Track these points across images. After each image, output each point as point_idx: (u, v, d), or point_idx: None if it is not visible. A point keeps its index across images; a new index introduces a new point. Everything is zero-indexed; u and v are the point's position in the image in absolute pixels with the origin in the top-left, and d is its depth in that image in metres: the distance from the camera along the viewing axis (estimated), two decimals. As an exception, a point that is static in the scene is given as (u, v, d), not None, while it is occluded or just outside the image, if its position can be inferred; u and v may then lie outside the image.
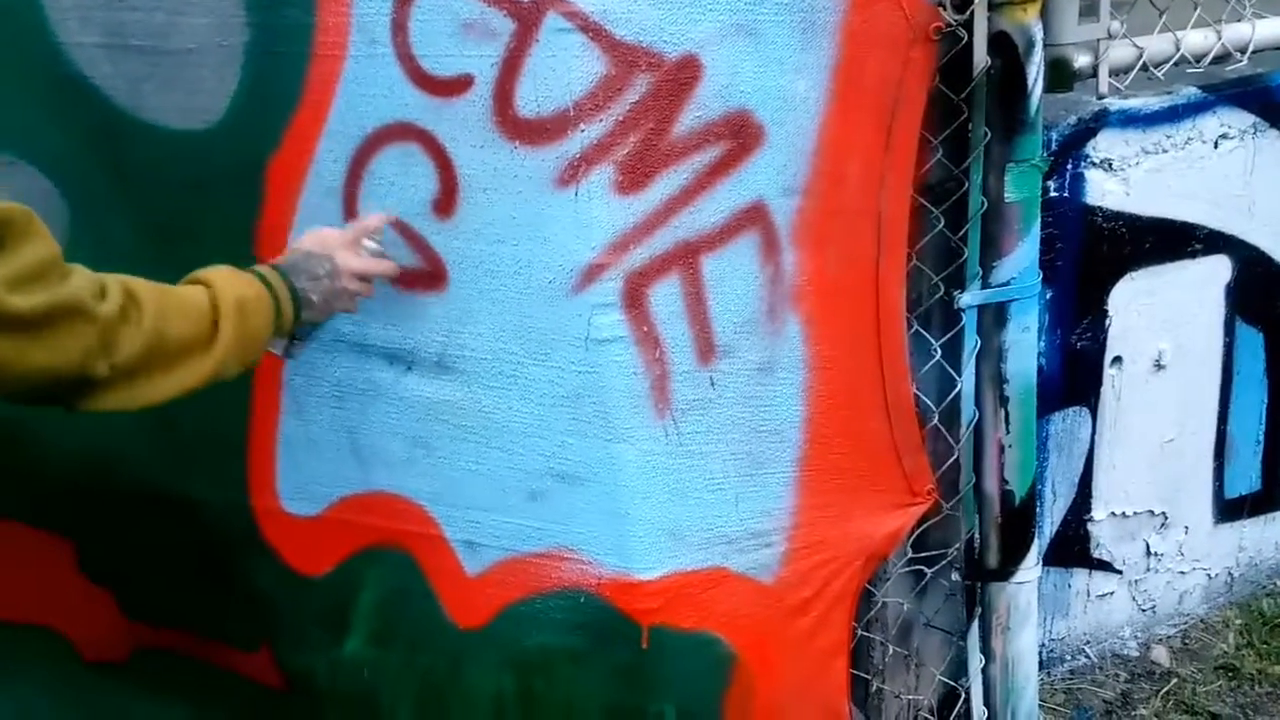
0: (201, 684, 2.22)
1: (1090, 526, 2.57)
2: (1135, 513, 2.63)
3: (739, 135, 1.73)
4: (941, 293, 2.04)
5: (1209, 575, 2.82)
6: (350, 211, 1.83)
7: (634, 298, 1.74)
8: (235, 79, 1.87)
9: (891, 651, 2.20)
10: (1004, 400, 2.09)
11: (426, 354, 1.85)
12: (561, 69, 1.65)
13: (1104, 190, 2.32)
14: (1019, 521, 2.16)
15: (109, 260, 1.98)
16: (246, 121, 1.88)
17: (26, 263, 1.18)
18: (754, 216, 1.77)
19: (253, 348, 1.52)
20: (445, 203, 1.77)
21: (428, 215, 1.79)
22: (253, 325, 1.50)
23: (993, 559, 2.19)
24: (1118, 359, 2.46)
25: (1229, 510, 2.81)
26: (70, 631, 2.31)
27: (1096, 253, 2.35)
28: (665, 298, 1.75)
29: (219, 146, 1.90)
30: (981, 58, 1.91)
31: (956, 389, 2.10)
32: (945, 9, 1.85)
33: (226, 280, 1.50)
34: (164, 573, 2.20)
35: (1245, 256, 2.60)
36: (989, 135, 1.96)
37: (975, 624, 2.26)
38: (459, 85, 1.71)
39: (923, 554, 2.17)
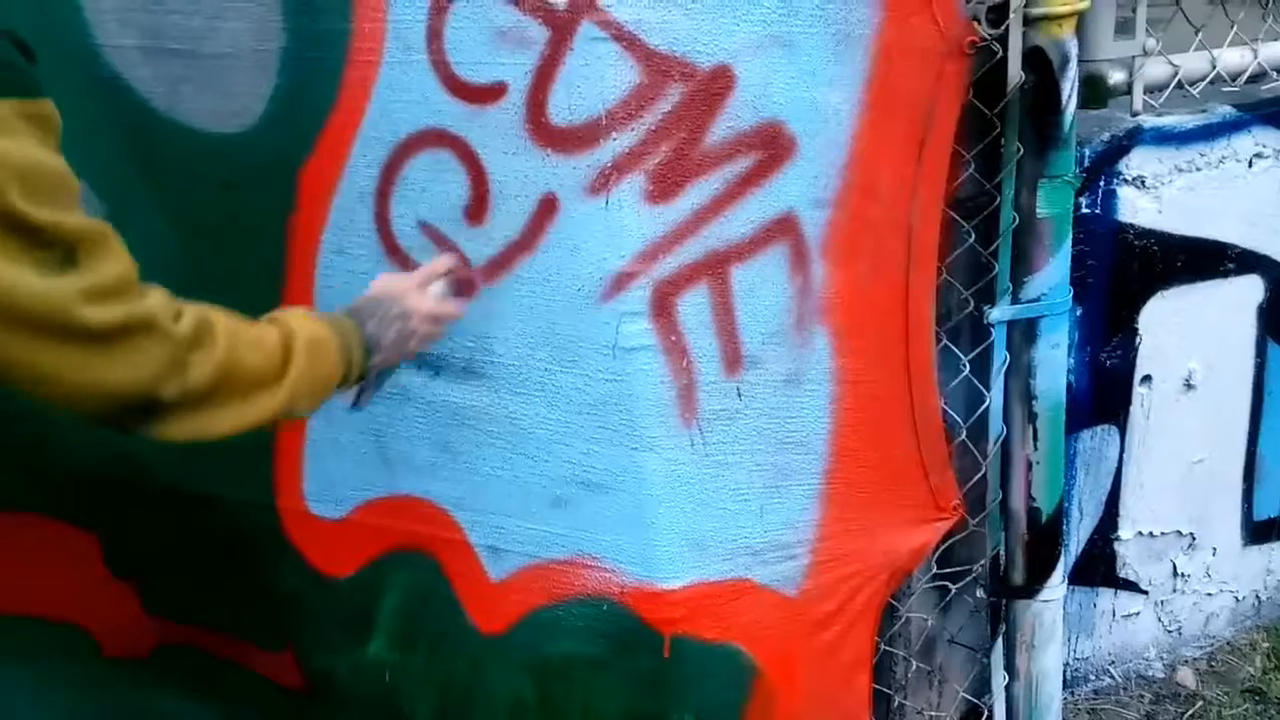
0: (222, 682, 2.23)
1: (1117, 546, 2.55)
2: (1163, 533, 2.60)
3: (771, 146, 1.73)
4: (971, 308, 2.04)
5: (1236, 597, 2.80)
6: (383, 217, 1.85)
7: (662, 306, 1.74)
8: (271, 83, 1.89)
9: (914, 667, 2.20)
10: (1032, 417, 2.09)
11: (455, 359, 1.86)
12: (595, 77, 1.65)
13: (1136, 208, 2.30)
14: (1045, 539, 2.15)
15: (144, 261, 2.03)
16: (281, 125, 1.89)
17: (103, 278, 1.18)
18: (784, 228, 1.77)
19: (321, 388, 1.49)
20: (476, 209, 1.77)
21: (459, 221, 1.79)
22: (323, 366, 1.48)
23: (1018, 576, 2.19)
24: (1147, 378, 2.45)
25: (1258, 532, 2.78)
26: (92, 626, 2.33)
27: (1128, 270, 2.33)
28: (693, 307, 1.75)
29: (254, 149, 1.91)
30: (1016, 73, 1.90)
31: (985, 405, 2.09)
32: (980, 24, 1.85)
33: (299, 320, 1.48)
34: (188, 570, 2.21)
35: (1278, 277, 2.58)
36: (1022, 151, 1.96)
37: (999, 641, 2.25)
38: (493, 93, 1.71)
39: (948, 570, 2.16)
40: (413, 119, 1.78)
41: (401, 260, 1.85)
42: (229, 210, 1.95)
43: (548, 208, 1.73)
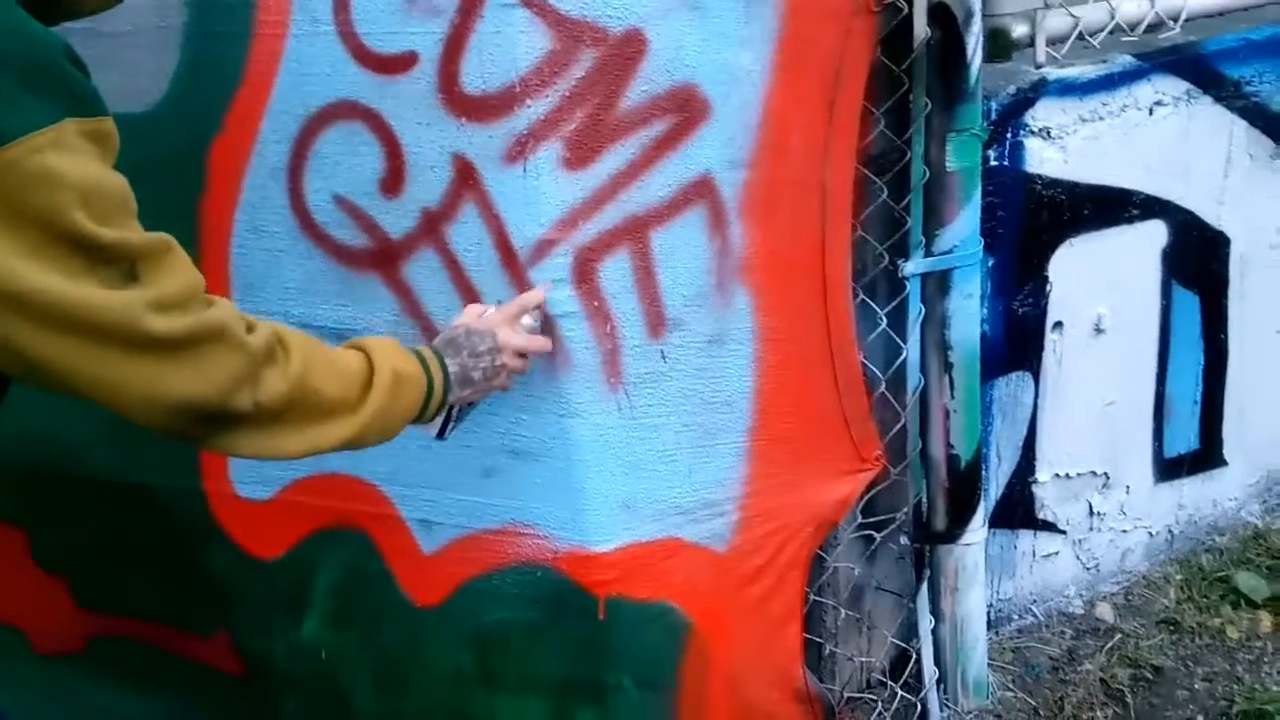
0: (159, 672, 2.22)
1: (1034, 488, 2.61)
2: (1078, 474, 2.67)
3: (685, 109, 1.74)
4: (886, 262, 2.07)
5: (1150, 533, 2.89)
6: (296, 193, 1.83)
7: (584, 273, 1.75)
8: (174, 60, 1.85)
9: (843, 615, 2.24)
10: (948, 367, 2.13)
11: (378, 333, 1.85)
12: (507, 45, 1.65)
13: (1043, 158, 2.34)
14: (965, 485, 2.21)
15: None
16: (187, 102, 1.87)
17: (168, 290, 1.16)
18: (701, 190, 1.79)
19: (396, 424, 1.48)
20: (392, 182, 1.77)
21: (375, 194, 1.78)
22: (402, 403, 1.47)
23: (940, 522, 2.24)
24: (1059, 324, 2.50)
25: (1169, 470, 2.87)
26: (22, 624, 2.30)
27: (1036, 220, 2.37)
28: (615, 272, 1.77)
29: (160, 129, 1.88)
30: (922, 29, 1.93)
31: (902, 357, 2.13)
32: (886, -20, 1.87)
33: (386, 352, 1.46)
34: (118, 561, 2.19)
35: (1181, 221, 2.65)
36: (930, 105, 1.99)
37: (924, 586, 2.30)
38: (403, 63, 1.70)
39: (872, 519, 2.20)
40: (322, 92, 1.77)
41: (318, 237, 1.84)
42: (137, 190, 1.90)
43: (465, 177, 1.72)
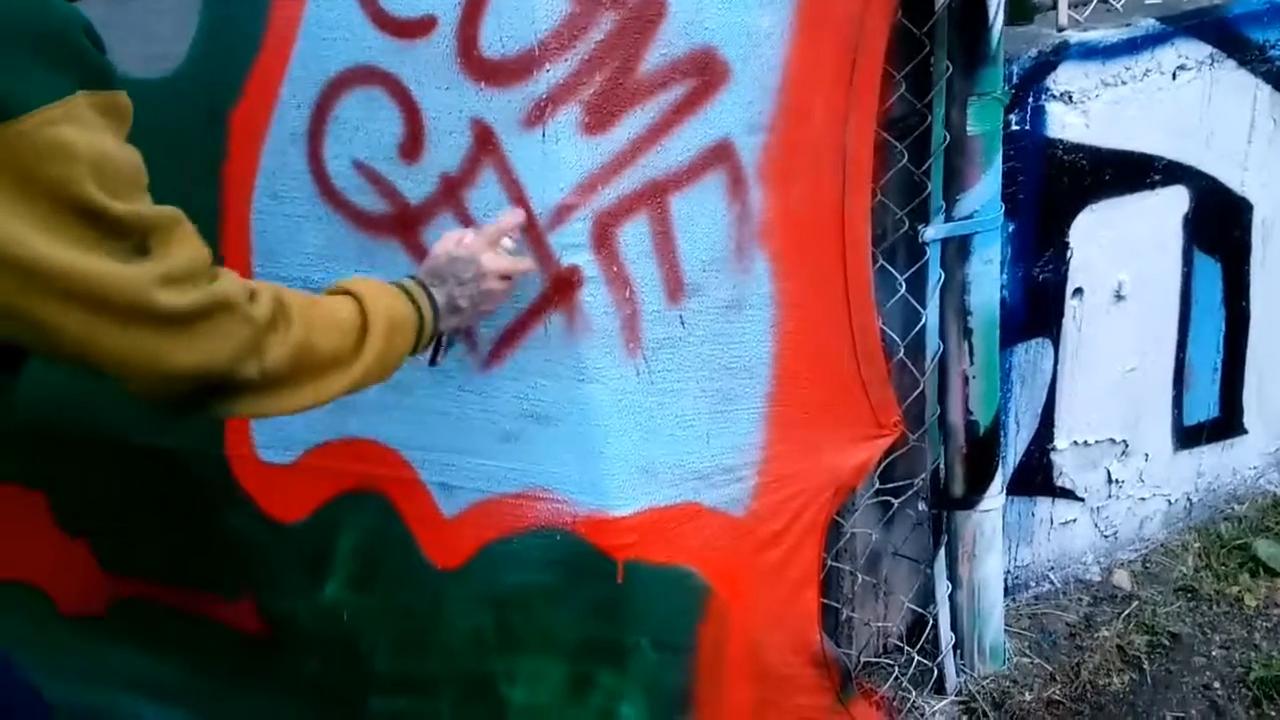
0: (181, 633, 2.24)
1: (1053, 455, 2.61)
2: (1097, 441, 2.67)
3: (704, 72, 1.73)
4: (906, 227, 2.07)
5: (1169, 501, 2.88)
6: (316, 158, 1.83)
7: (603, 238, 1.75)
8: (194, 25, 1.85)
9: (860, 580, 2.25)
10: (967, 332, 2.13)
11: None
12: (525, 8, 1.64)
13: (1064, 123, 2.33)
14: (983, 451, 2.21)
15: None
16: (207, 68, 1.87)
17: (177, 263, 1.18)
18: (721, 154, 1.78)
19: (393, 364, 1.49)
20: (412, 147, 1.76)
21: (394, 160, 1.78)
22: (398, 345, 1.48)
23: (958, 488, 2.24)
24: (1079, 290, 2.49)
25: (1188, 437, 2.86)
26: (46, 585, 2.32)
27: (1057, 185, 2.36)
28: (634, 237, 1.76)
29: (180, 94, 1.89)
30: (943, -9, 1.92)
31: (921, 322, 2.13)
32: (907, -57, 1.86)
33: (376, 295, 1.47)
34: (140, 524, 2.21)
35: (1203, 187, 2.63)
36: (951, 69, 1.98)
37: (942, 552, 2.31)
38: (422, 26, 1.70)
39: (890, 485, 2.21)
40: (342, 56, 1.76)
41: (338, 203, 1.84)
42: (158, 159, 1.91)
43: (484, 142, 1.72)
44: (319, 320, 1.36)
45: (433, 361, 1.69)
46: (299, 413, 1.37)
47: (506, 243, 1.70)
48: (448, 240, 1.67)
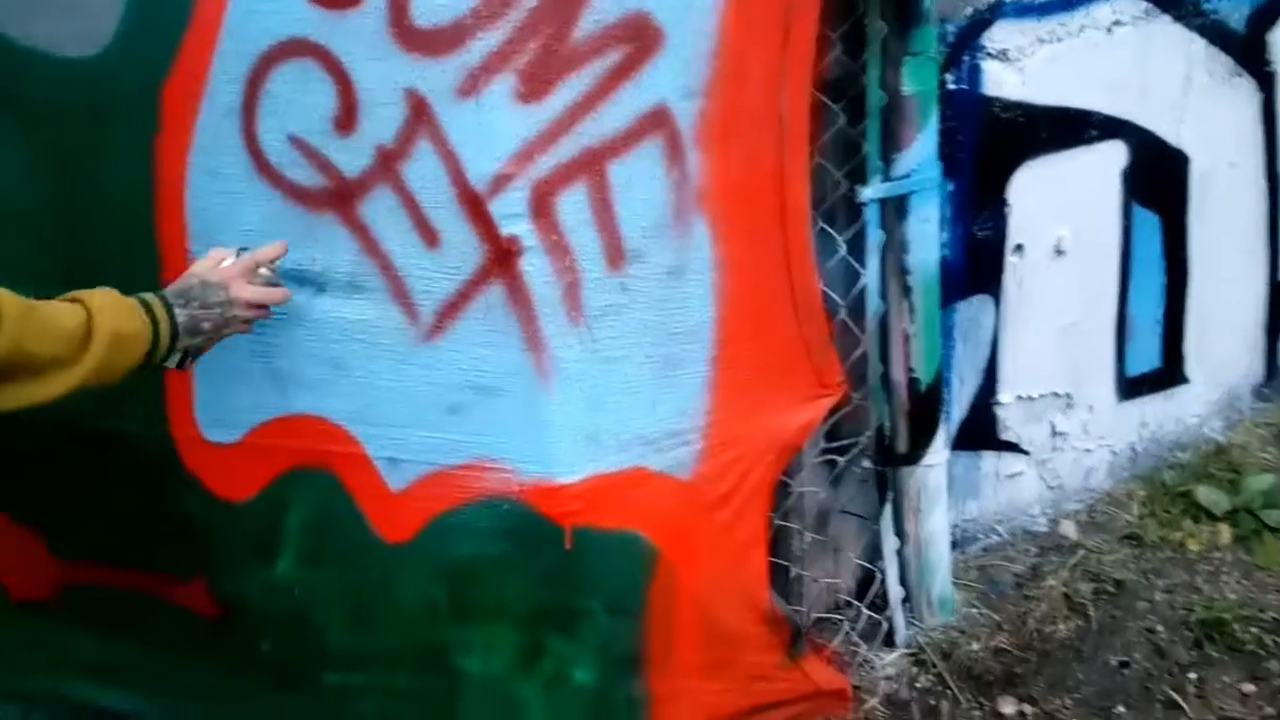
0: (135, 616, 2.23)
1: (997, 410, 2.64)
2: (1040, 395, 2.70)
3: (639, 38, 1.73)
4: (844, 188, 2.07)
5: (1113, 451, 2.93)
6: (250, 133, 1.81)
7: (541, 206, 1.74)
8: (121, 2, 1.82)
9: (809, 539, 2.27)
10: (908, 291, 2.15)
11: (338, 275, 1.85)
12: (455, -24, 1.63)
13: (1001, 81, 2.34)
14: (926, 408, 2.24)
15: (9, 196, 1.97)
16: (136, 45, 1.84)
17: None
18: (657, 120, 1.78)
19: (119, 371, 1.59)
20: (346, 119, 1.75)
21: (329, 133, 1.77)
22: (122, 357, 1.58)
23: (902, 445, 2.27)
24: (1019, 246, 2.51)
25: (1131, 388, 2.91)
26: (-4, 572, 2.30)
27: (995, 143, 2.38)
28: (573, 205, 1.76)
29: (110, 72, 1.86)
30: (874, -49, 1.92)
31: (862, 282, 2.14)
32: (837, -97, 1.86)
33: (108, 311, 1.57)
34: (89, 508, 2.19)
35: (1140, 141, 2.66)
36: (885, 29, 1.98)
37: (888, 508, 2.34)
38: (352, -2, 1.68)
39: (835, 444, 2.23)
40: (273, 29, 1.74)
41: (274, 178, 1.83)
42: (91, 134, 1.90)
43: (418, 113, 1.71)
44: (35, 327, 1.46)
45: (180, 366, 1.74)
46: (26, 408, 1.48)
47: (264, 271, 1.77)
48: (206, 262, 1.75)
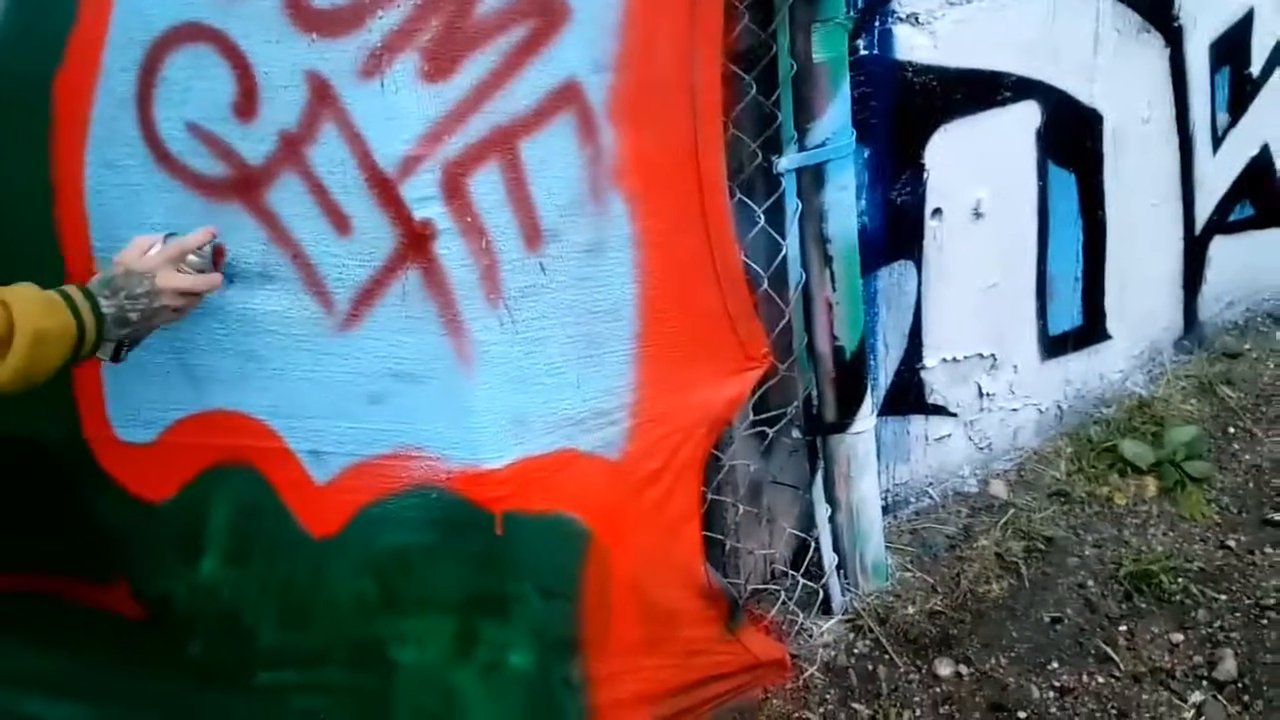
0: (61, 623, 2.18)
1: (923, 374, 2.66)
2: (965, 357, 2.73)
3: (544, 12, 1.70)
4: (760, 159, 2.07)
5: (1039, 410, 2.97)
6: (147, 123, 1.76)
7: (454, 188, 1.71)
8: (2, -9, 1.76)
9: (742, 511, 2.28)
10: (828, 260, 2.15)
11: (247, 265, 1.80)
12: (351, -46, 1.59)
13: (912, 45, 2.34)
14: (851, 375, 2.24)
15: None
16: (22, 35, 1.78)
17: None
18: (568, 96, 1.75)
19: (41, 373, 1.53)
20: (246, 105, 1.70)
21: (229, 119, 1.72)
22: (46, 355, 1.52)
23: (830, 413, 2.28)
24: (938, 210, 2.53)
25: (1054, 347, 2.95)
26: (-88, 585, 2.23)
27: (910, 108, 2.38)
28: (486, 186, 1.73)
29: (-2, 63, 1.80)
30: (778, -83, 1.91)
31: (782, 253, 2.14)
32: None
33: (28, 308, 1.50)
34: (4, 515, 2.13)
35: (1053, 100, 2.68)
36: (793, -3, 1.97)
37: (819, 477, 2.35)
38: (244, -21, 1.63)
39: (764, 415, 2.23)
40: (164, 14, 1.69)
41: (175, 169, 1.77)
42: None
43: (321, 95, 1.67)
44: None
45: (115, 358, 1.69)
46: None
47: (192, 258, 1.72)
48: (132, 251, 1.70)
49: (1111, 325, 3.07)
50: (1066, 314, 2.95)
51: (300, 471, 1.92)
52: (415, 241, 1.73)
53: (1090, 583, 2.50)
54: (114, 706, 2.19)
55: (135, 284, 1.65)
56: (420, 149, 1.69)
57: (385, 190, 1.70)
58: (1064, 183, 2.80)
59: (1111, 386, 3.15)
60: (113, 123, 1.78)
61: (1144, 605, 2.43)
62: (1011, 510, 2.72)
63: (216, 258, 1.78)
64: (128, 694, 2.17)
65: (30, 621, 2.19)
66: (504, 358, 1.81)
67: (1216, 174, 3.25)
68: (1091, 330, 3.03)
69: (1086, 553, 2.60)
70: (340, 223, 1.74)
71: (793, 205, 2.11)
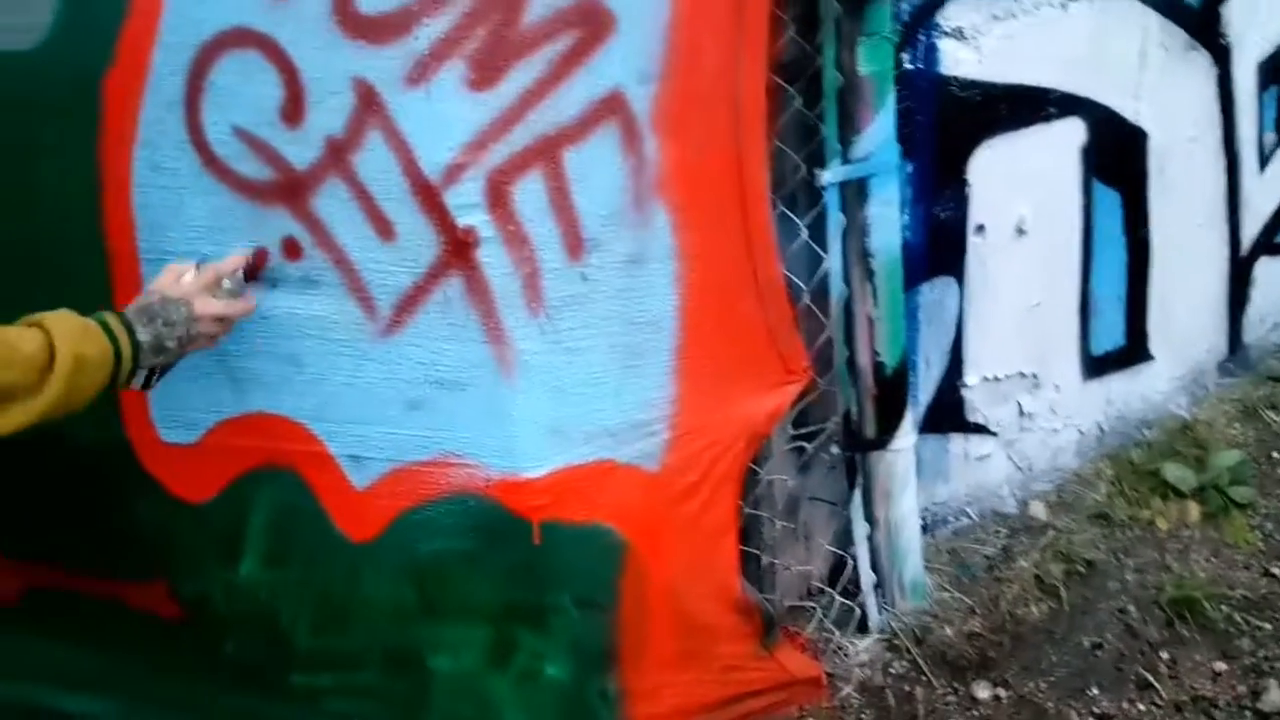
0: (97, 620, 2.20)
1: (964, 392, 2.64)
2: (1006, 375, 2.70)
3: (589, 22, 1.70)
4: (803, 172, 2.06)
5: (1080, 430, 2.94)
6: (195, 126, 1.77)
7: (497, 196, 1.72)
8: (55, -9, 1.79)
9: (780, 526, 2.26)
10: (870, 275, 2.13)
11: (291, 270, 1.81)
12: (399, -39, 1.60)
13: (957, 59, 2.33)
14: (892, 392, 2.22)
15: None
16: (74, 37, 1.80)
17: None
18: (612, 106, 1.75)
19: (81, 400, 1.54)
20: (293, 110, 1.72)
21: (276, 124, 1.73)
22: (86, 381, 1.53)
23: (869, 430, 2.26)
24: (980, 227, 2.51)
25: (1096, 367, 2.91)
26: (-46, 577, 2.26)
27: (953, 123, 2.37)
28: (529, 195, 1.73)
29: (50, 65, 1.82)
30: (825, -71, 1.90)
31: (824, 267, 2.13)
32: (788, -119, 1.84)
33: (67, 334, 1.50)
34: (45, 512, 2.16)
35: (1099, 118, 2.66)
36: (839, 9, 1.96)
37: (857, 493, 2.33)
38: (294, -15, 1.65)
39: (803, 430, 2.22)
40: (214, 19, 1.71)
41: (221, 172, 1.79)
42: (33, 127, 1.86)
43: (367, 102, 1.68)
44: None
45: (146, 386, 1.70)
46: None
47: (226, 284, 1.73)
48: (166, 277, 1.71)
49: (1154, 346, 3.04)
50: (1109, 334, 2.92)
51: (340, 476, 1.93)
52: (458, 249, 1.73)
53: (1131, 608, 2.47)
54: (148, 705, 2.21)
55: (172, 311, 1.66)
56: (465, 157, 1.69)
57: (429, 197, 1.71)
58: (1108, 201, 2.77)
59: (1154, 408, 3.11)
60: (160, 125, 1.79)
61: (1186, 632, 2.39)
62: (1051, 532, 2.69)
63: (259, 264, 1.79)
64: (162, 693, 2.18)
65: (67, 617, 2.22)
66: (544, 367, 1.81)
67: (1263, 194, 3.21)
68: (1134, 351, 3.00)
69: (1128, 577, 2.56)
70: (384, 229, 1.75)
71: (835, 219, 2.10)
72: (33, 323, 1.50)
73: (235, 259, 1.76)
